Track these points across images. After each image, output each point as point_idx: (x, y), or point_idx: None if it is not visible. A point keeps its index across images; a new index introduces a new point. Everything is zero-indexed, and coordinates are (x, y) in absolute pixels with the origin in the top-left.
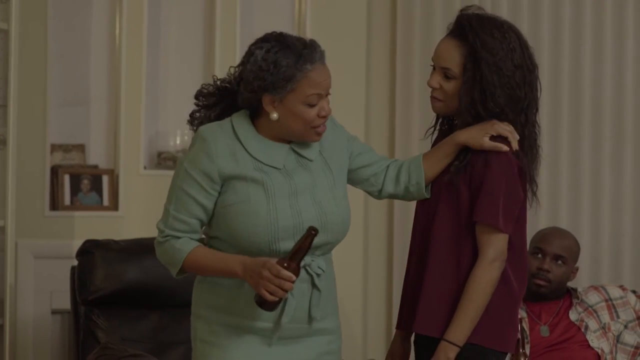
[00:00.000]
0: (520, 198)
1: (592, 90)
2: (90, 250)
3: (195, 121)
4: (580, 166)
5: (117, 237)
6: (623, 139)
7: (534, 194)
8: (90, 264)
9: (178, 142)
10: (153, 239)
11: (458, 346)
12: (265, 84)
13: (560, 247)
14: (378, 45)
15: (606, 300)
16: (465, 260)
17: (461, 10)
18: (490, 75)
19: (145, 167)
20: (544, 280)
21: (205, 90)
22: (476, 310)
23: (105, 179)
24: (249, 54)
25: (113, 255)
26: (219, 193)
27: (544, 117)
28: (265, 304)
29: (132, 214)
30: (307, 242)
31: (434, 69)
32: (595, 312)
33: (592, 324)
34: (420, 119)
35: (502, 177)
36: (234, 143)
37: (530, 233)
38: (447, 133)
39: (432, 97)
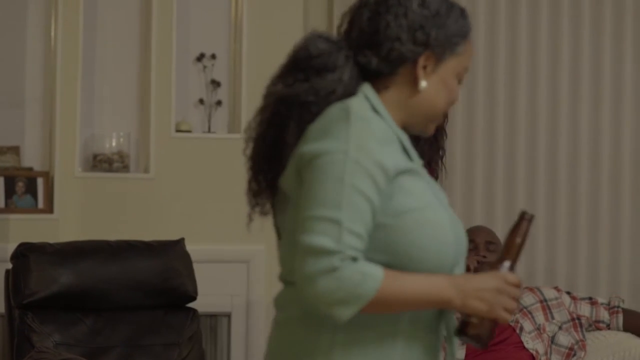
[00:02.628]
0: None
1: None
2: (24, 254)
3: (322, 91)
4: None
5: (52, 240)
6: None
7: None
8: (25, 268)
9: (114, 144)
10: (89, 241)
11: None
12: (431, 38)
13: (488, 235)
14: None
15: (541, 302)
16: None
17: None
18: None
19: (80, 170)
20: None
21: (318, 52)
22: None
23: (40, 182)
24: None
25: (48, 259)
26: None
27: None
28: (488, 336)
29: (67, 217)
30: (527, 232)
31: None
32: (530, 313)
33: (527, 325)
34: None
35: None
36: (387, 126)
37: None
38: None
39: None
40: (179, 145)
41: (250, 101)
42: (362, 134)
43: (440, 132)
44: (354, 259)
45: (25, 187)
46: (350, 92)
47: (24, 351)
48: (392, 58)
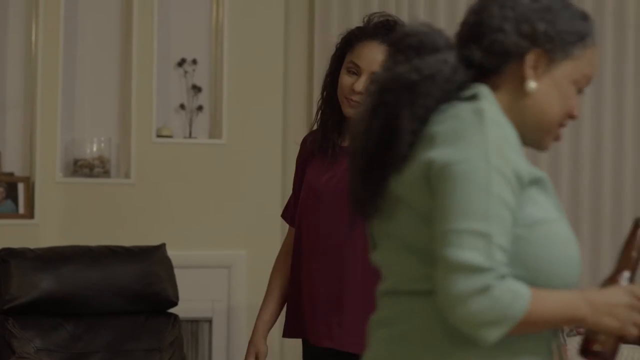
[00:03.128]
0: None
1: None
2: (5, 259)
3: (425, 70)
4: None
5: (33, 246)
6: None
7: None
8: (5, 273)
9: (95, 149)
10: (70, 247)
11: None
12: (538, 32)
13: None
14: (295, 52)
15: None
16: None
17: (373, 15)
18: None
19: (61, 175)
20: None
21: (413, 30)
22: None
23: (20, 187)
24: None
25: (28, 264)
26: None
27: None
28: (613, 353)
29: (48, 222)
30: None
31: (355, 73)
32: None
33: None
34: None
35: None
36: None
37: None
38: (331, 130)
39: (353, 101)
40: (159, 150)
41: (232, 106)
42: (499, 140)
43: None
44: (503, 277)
45: (5, 192)
46: (459, 80)
47: (4, 357)
48: (495, 51)
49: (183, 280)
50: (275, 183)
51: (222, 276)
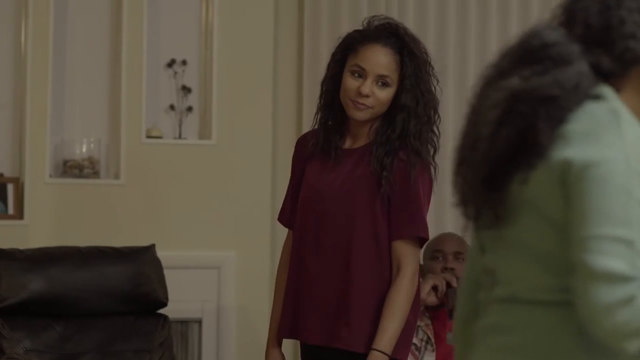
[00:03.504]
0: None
1: None
2: None
3: (567, 84)
4: None
5: (22, 246)
6: None
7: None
8: None
9: (84, 150)
10: (59, 247)
11: (389, 356)
12: None
13: (457, 245)
14: (285, 52)
15: None
16: (386, 274)
17: (373, 19)
18: (426, 82)
19: (50, 176)
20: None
21: (554, 40)
22: (402, 324)
23: (10, 188)
24: None
25: (18, 265)
26: None
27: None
28: None
29: (37, 223)
30: None
31: (360, 76)
32: None
33: None
34: None
35: (422, 186)
36: None
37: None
38: (333, 132)
39: (360, 104)
40: (149, 151)
41: (221, 107)
42: (636, 141)
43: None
44: None
45: None
46: (592, 88)
47: None
48: (626, 58)
49: (173, 280)
50: (265, 184)
51: (212, 277)
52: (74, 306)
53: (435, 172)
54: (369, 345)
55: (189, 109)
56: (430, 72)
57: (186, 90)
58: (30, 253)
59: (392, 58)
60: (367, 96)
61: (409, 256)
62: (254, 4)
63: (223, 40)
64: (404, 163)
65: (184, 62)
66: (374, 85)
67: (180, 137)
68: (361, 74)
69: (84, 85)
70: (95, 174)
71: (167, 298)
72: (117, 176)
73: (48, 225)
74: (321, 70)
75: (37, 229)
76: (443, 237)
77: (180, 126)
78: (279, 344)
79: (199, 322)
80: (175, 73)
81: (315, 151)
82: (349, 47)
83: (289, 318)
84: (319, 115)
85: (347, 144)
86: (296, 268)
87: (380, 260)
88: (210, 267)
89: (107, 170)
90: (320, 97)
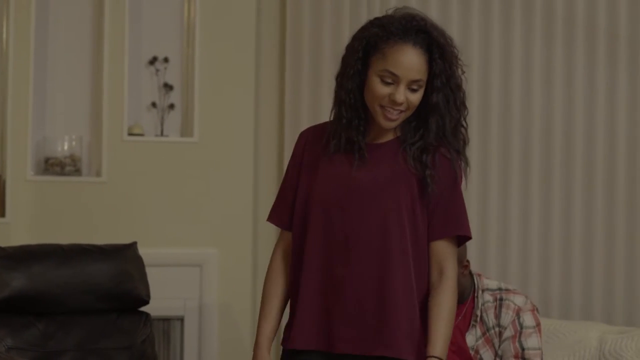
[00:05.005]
0: None
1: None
2: None
3: None
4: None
5: (4, 244)
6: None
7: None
8: None
9: (66, 147)
10: (41, 245)
11: None
12: None
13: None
14: (267, 50)
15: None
16: (426, 276)
17: (397, 11)
18: (456, 77)
19: (32, 173)
20: None
21: None
22: (452, 327)
23: None
24: None
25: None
26: None
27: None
28: None
29: (19, 221)
30: None
31: (392, 82)
32: (491, 338)
33: (487, 357)
34: (308, 123)
35: (459, 185)
36: None
37: None
38: (356, 132)
39: (395, 111)
40: (131, 148)
41: (203, 104)
42: None
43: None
44: None
45: None
46: None
47: None
48: None
49: (155, 278)
50: (247, 181)
51: (194, 274)
52: (56, 304)
53: (467, 167)
54: (418, 352)
55: (171, 106)
56: (458, 65)
57: (168, 87)
58: (11, 251)
59: (423, 58)
60: (401, 104)
61: (450, 257)
62: (236, 1)
63: (205, 37)
64: (448, 161)
65: (166, 60)
66: (406, 90)
67: (162, 134)
68: (393, 80)
69: (66, 82)
70: (77, 172)
71: (149, 296)
72: (99, 174)
73: (30, 223)
74: (304, 68)
75: (19, 226)
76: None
77: (162, 124)
78: (269, 351)
79: (181, 319)
80: (157, 70)
81: (332, 149)
82: (372, 46)
83: (309, 327)
84: (335, 111)
85: (370, 137)
86: (302, 272)
87: (420, 260)
88: (193, 264)
89: (89, 167)
90: (338, 92)
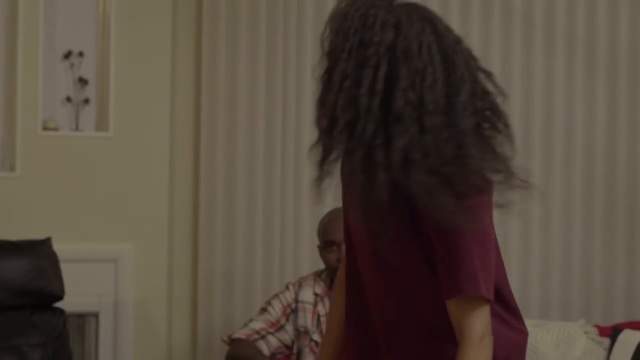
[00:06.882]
0: (493, 244)
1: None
2: None
3: None
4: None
5: None
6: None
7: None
8: None
9: None
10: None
11: None
12: None
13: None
14: (183, 44)
15: None
16: (452, 348)
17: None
18: None
19: None
20: None
21: None
22: None
23: None
24: None
25: None
26: None
27: None
28: None
29: None
30: None
31: None
32: None
33: None
34: (224, 120)
35: (470, 233)
36: None
37: None
38: None
39: None
40: (45, 143)
41: (119, 99)
42: None
43: None
44: None
45: None
46: None
47: None
48: None
49: (69, 274)
50: (162, 176)
51: (109, 270)
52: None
53: None
54: None
55: (86, 101)
56: None
57: (83, 82)
58: None
59: None
60: None
61: (465, 319)
62: None
63: (120, 31)
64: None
65: (80, 54)
66: None
67: (77, 129)
68: None
69: None
70: None
71: (63, 292)
72: (12, 168)
73: None
74: (220, 62)
75: None
76: (330, 223)
77: (77, 118)
78: None
79: (96, 315)
80: (72, 65)
81: None
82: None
83: None
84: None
85: None
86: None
87: (443, 325)
88: (107, 260)
89: (2, 162)
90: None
